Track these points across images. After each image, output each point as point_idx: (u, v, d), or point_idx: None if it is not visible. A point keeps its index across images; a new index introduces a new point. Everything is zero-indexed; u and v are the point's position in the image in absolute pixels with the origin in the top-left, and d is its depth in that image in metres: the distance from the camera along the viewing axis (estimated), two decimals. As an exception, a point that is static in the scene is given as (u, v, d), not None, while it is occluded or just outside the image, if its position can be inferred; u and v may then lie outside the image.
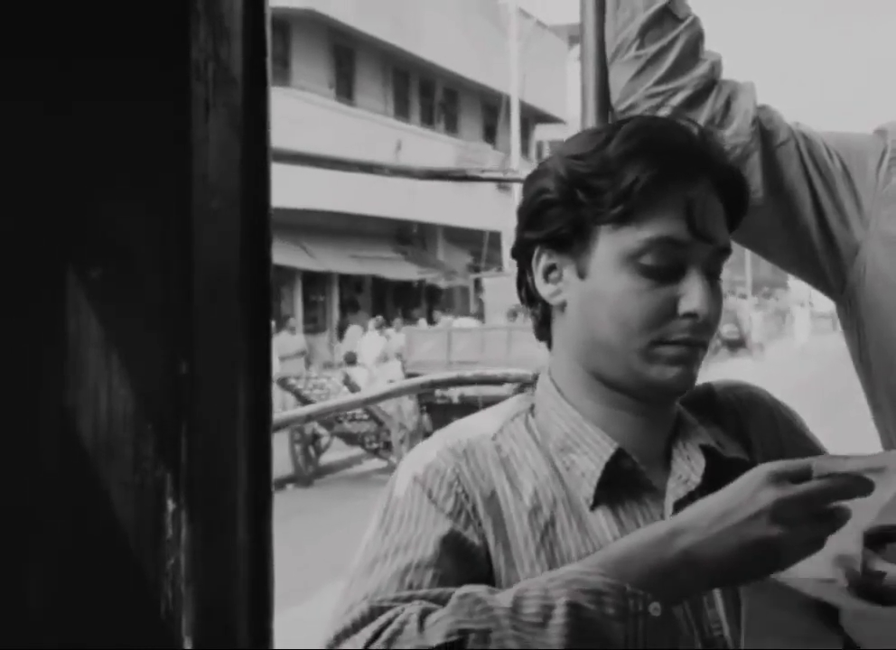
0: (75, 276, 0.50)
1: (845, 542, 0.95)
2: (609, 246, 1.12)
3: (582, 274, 1.14)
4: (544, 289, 1.18)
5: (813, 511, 0.94)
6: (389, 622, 0.95)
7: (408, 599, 0.99)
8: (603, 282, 1.13)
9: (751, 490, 0.94)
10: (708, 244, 1.13)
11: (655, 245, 1.10)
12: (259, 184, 0.54)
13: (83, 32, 0.51)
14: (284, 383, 13.92)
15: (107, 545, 0.50)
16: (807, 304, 34.16)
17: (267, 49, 0.56)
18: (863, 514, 0.95)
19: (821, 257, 1.55)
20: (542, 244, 1.17)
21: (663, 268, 1.11)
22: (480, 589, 0.96)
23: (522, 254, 1.20)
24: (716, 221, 1.14)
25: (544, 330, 1.22)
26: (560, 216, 1.14)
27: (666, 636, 0.94)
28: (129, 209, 0.51)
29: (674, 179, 1.11)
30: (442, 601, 0.97)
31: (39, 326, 0.50)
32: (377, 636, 0.95)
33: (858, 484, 0.93)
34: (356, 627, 0.97)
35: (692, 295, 1.11)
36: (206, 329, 0.51)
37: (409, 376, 13.26)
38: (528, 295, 1.20)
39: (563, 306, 1.17)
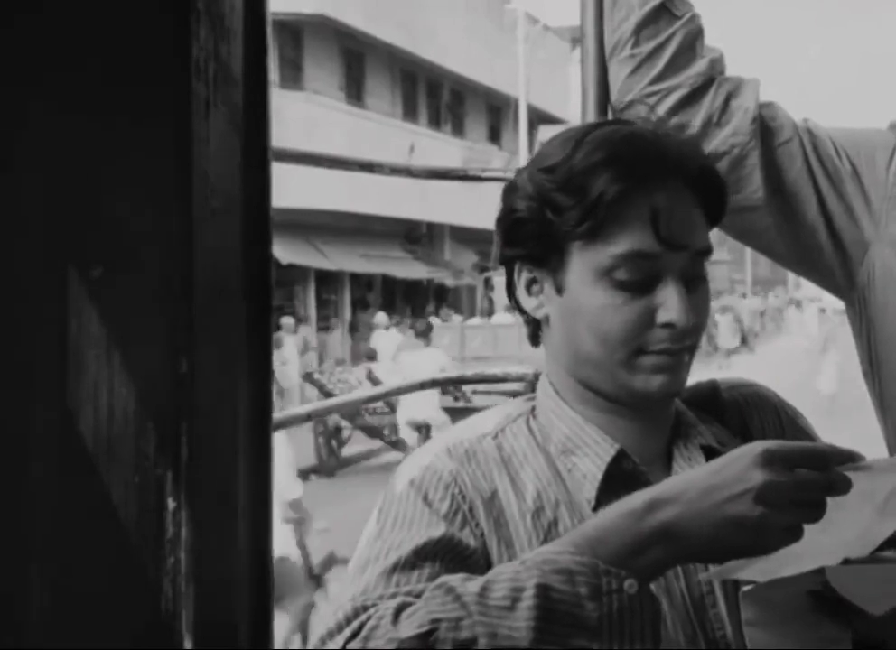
0: (76, 276, 0.50)
1: (820, 538, 0.95)
2: (582, 262, 1.12)
3: (559, 290, 1.14)
4: (527, 302, 1.18)
5: (797, 499, 0.93)
6: (369, 619, 0.94)
7: (393, 597, 0.97)
8: (580, 297, 1.12)
9: (742, 467, 0.92)
10: (681, 252, 1.11)
11: (626, 260, 1.10)
12: (259, 184, 0.54)
13: (84, 31, 0.51)
14: (309, 377, 14.26)
15: (107, 544, 0.50)
16: (818, 299, 34.20)
17: (268, 48, 0.56)
18: (847, 513, 0.95)
19: (828, 257, 1.55)
20: (521, 259, 1.17)
21: (637, 281, 1.10)
22: (454, 578, 0.94)
23: (506, 265, 1.20)
24: (688, 226, 1.12)
25: (537, 337, 1.22)
26: (532, 234, 1.14)
27: (645, 616, 0.91)
28: (130, 209, 0.51)
29: (639, 190, 1.10)
30: None
31: (39, 326, 0.50)
32: (355, 634, 0.94)
33: (842, 483, 0.93)
34: (340, 628, 0.96)
35: (669, 305, 1.10)
36: (206, 328, 0.51)
37: (425, 371, 13.57)
38: (518, 305, 1.20)
39: (547, 319, 1.17)
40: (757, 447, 0.94)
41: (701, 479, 0.94)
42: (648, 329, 1.11)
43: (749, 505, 0.91)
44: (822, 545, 0.94)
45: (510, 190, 1.18)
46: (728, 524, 0.92)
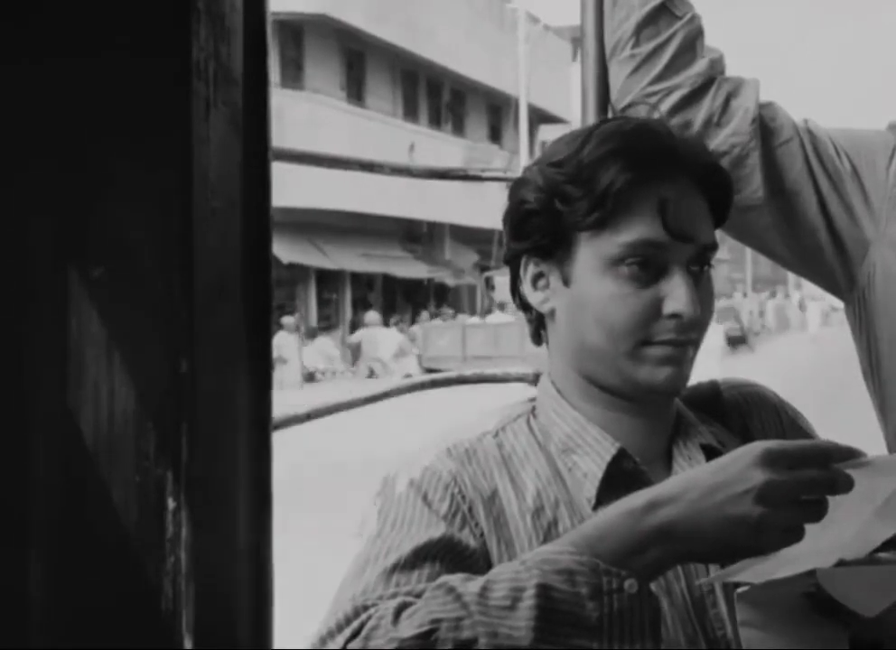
0: (76, 276, 0.50)
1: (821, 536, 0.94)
2: (590, 252, 1.12)
3: (566, 282, 1.15)
4: (533, 297, 1.18)
5: (798, 498, 0.93)
6: (369, 618, 0.94)
7: (393, 597, 0.98)
8: (587, 288, 1.13)
9: (743, 466, 0.92)
10: (688, 243, 1.12)
11: (634, 249, 1.10)
12: (259, 184, 0.54)
13: (85, 32, 0.51)
14: (311, 377, 14.37)
15: (108, 544, 0.50)
16: (820, 298, 34.50)
17: (268, 49, 0.56)
18: (847, 510, 0.95)
19: (829, 257, 1.55)
20: (528, 253, 1.17)
21: (645, 271, 1.11)
22: (454, 578, 0.94)
23: (512, 262, 1.20)
24: (696, 220, 1.14)
25: (539, 336, 1.22)
26: (541, 226, 1.15)
27: (645, 615, 0.91)
28: (130, 209, 0.51)
29: (648, 181, 1.11)
30: None
31: (39, 326, 0.50)
32: (356, 634, 0.94)
33: (844, 481, 0.93)
34: (340, 628, 0.96)
35: (676, 296, 1.11)
36: (206, 328, 0.51)
37: (426, 370, 13.57)
38: (522, 302, 1.21)
39: (552, 313, 1.18)
40: (757, 447, 0.94)
41: (701, 479, 0.94)
42: (655, 320, 1.11)
43: (749, 505, 0.91)
44: (819, 546, 0.94)
45: (519, 185, 1.19)
46: (729, 524, 0.92)
